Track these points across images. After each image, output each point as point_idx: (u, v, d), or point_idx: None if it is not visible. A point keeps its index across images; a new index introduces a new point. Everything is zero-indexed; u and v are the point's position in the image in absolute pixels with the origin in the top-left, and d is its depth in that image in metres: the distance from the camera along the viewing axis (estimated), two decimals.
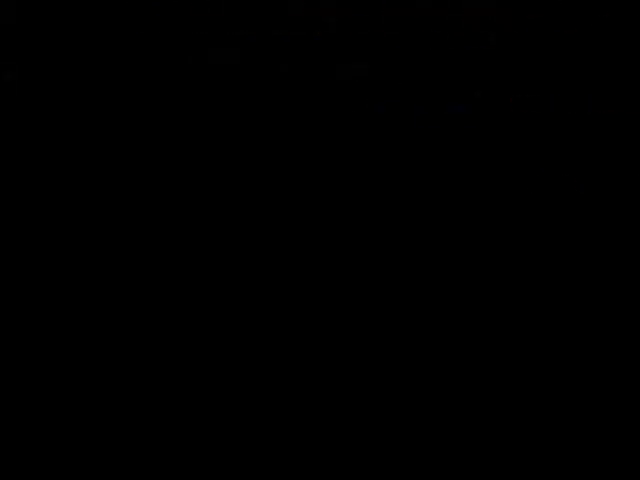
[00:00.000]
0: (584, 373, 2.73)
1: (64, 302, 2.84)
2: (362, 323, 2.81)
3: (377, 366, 2.76)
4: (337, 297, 2.85)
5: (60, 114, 3.06)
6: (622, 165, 2.97)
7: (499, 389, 2.72)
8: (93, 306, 2.83)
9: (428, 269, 2.88)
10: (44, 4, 3.12)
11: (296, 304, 2.84)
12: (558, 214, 2.92)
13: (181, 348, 2.78)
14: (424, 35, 3.10)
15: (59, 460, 2.61)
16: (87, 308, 2.83)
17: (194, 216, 2.95)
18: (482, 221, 2.93)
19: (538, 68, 3.07)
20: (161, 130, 3.04)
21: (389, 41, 3.11)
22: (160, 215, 2.95)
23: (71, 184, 2.98)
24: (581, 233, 2.90)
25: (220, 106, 3.06)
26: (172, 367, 2.75)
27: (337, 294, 2.85)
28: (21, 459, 2.61)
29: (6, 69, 3.09)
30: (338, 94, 3.07)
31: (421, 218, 2.93)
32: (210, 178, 2.99)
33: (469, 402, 2.70)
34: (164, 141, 3.03)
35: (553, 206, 2.93)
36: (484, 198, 2.95)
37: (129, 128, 3.04)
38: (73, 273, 2.87)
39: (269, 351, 2.78)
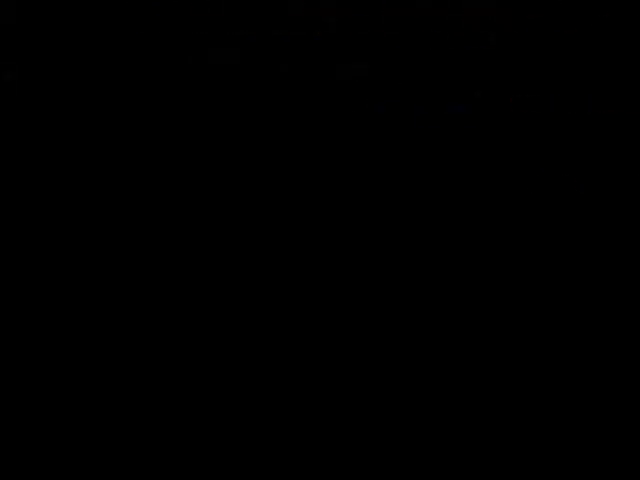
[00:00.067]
0: (584, 373, 2.73)
1: (64, 302, 2.84)
2: (362, 323, 2.81)
3: (377, 366, 2.76)
4: (337, 297, 2.85)
5: (60, 114, 3.06)
6: (622, 165, 2.97)
7: (499, 389, 2.72)
8: (93, 306, 2.83)
9: (428, 269, 2.88)
10: (44, 4, 3.12)
11: (296, 304, 2.84)
12: (558, 214, 2.92)
13: (181, 348, 2.78)
14: (424, 35, 3.10)
15: (59, 460, 2.61)
16: (87, 308, 2.83)
17: (194, 216, 2.95)
18: (482, 221, 2.93)
19: (538, 68, 3.07)
20: (161, 130, 3.05)
21: (389, 41, 3.11)
22: (160, 215, 2.95)
23: (71, 184, 2.99)
24: (581, 233, 2.90)
25: (220, 106, 3.06)
26: (172, 367, 2.76)
27: (337, 294, 2.85)
28: (21, 459, 2.61)
29: (6, 69, 3.09)
30: (338, 94, 3.07)
31: (421, 218, 2.93)
32: (210, 178, 3.00)
33: (469, 402, 2.70)
34: (164, 141, 3.04)
35: (553, 206, 2.93)
36: (484, 198, 2.96)
37: (129, 128, 3.05)
38: (73, 273, 2.88)
39: (269, 351, 2.78)
